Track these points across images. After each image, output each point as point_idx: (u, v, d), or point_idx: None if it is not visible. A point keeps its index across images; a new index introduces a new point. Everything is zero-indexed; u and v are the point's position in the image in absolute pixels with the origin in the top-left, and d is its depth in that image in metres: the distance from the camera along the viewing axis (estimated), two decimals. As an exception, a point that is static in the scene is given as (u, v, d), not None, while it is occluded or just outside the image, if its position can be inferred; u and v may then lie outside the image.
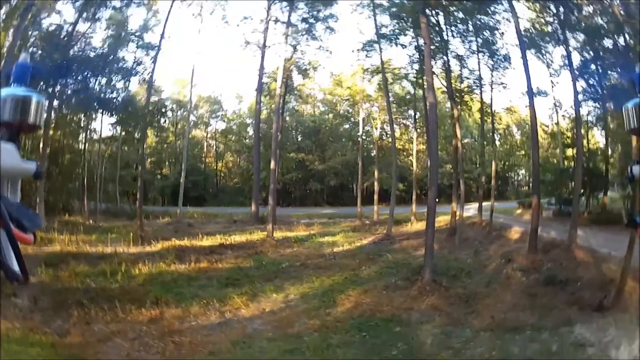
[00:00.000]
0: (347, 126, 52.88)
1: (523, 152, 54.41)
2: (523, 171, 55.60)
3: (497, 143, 44.68)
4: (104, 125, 40.67)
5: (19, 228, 1.82)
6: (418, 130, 42.13)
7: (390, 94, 37.19)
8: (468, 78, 34.50)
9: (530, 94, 26.32)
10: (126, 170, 41.05)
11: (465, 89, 34.66)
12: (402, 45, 33.63)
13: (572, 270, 19.19)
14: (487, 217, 31.71)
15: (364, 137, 45.38)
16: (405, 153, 49.56)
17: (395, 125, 40.07)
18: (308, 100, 53.78)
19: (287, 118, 49.64)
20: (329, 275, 19.70)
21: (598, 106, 33.30)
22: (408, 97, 41.09)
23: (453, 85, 33.15)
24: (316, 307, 15.69)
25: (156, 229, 28.28)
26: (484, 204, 34.18)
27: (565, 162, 37.78)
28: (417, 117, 40.99)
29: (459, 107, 32.87)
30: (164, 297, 15.66)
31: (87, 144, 37.46)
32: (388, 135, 44.89)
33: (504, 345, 12.16)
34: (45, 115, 3.51)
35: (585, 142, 33.77)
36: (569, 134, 37.83)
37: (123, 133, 40.85)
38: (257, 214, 33.75)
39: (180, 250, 22.82)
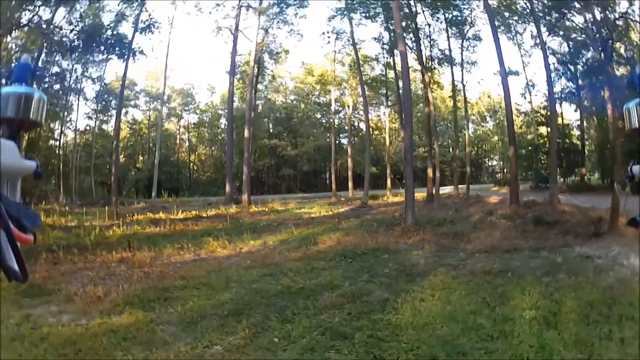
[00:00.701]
0: (319, 115, 52.58)
1: (496, 137, 54.53)
2: (497, 157, 55.71)
3: (471, 127, 44.01)
4: (79, 115, 40.19)
5: (19, 228, 1.67)
6: (390, 107, 41.41)
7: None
8: (439, 53, 33.96)
9: (503, 71, 25.09)
10: (101, 159, 40.06)
11: (436, 59, 33.81)
12: (371, 18, 32.92)
13: (558, 215, 18.69)
14: (463, 192, 31.58)
15: (336, 121, 44.82)
16: (378, 131, 49.14)
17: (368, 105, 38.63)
18: (279, 89, 53.46)
19: (260, 107, 48.98)
20: (308, 228, 18.58)
21: (572, 85, 33.20)
22: (380, 76, 40.23)
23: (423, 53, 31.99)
24: (296, 246, 14.49)
25: (132, 210, 27.93)
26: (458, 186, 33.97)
27: (539, 140, 37.44)
28: (389, 95, 39.91)
29: (429, 73, 31.83)
30: (137, 244, 14.50)
31: (62, 134, 36.65)
32: (361, 115, 44.82)
33: (504, 261, 11.05)
34: (45, 112, 2.66)
35: (559, 119, 32.93)
36: (543, 112, 37.56)
37: (97, 123, 40.20)
38: (232, 195, 32.67)
39: (155, 220, 22.20)
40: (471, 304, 7.79)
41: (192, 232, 18.48)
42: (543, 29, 30.17)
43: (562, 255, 11.49)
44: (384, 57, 38.13)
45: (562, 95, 33.58)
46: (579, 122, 37.95)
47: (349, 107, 43.11)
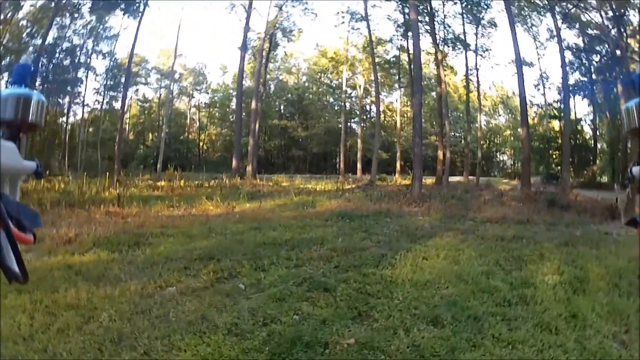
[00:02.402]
0: (331, 99, 51.76)
1: (508, 131, 53.37)
2: (508, 152, 54.59)
3: (483, 119, 42.87)
4: (87, 91, 39.59)
5: (19, 227, 1.71)
6: (402, 89, 40.37)
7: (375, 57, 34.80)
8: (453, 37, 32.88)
9: (519, 61, 24.91)
10: (109, 134, 39.31)
11: (449, 41, 32.65)
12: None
13: (572, 201, 17.47)
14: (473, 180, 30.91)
15: (347, 104, 43.87)
16: (389, 113, 48.09)
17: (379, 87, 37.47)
18: (292, 70, 52.61)
19: (272, 87, 48.20)
20: (310, 196, 17.54)
21: (585, 79, 32.34)
22: (392, 59, 39.08)
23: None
24: (293, 208, 13.43)
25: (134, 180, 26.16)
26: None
27: (551, 133, 36.34)
28: (401, 78, 38.81)
29: (441, 50, 30.69)
30: (128, 202, 13.89)
31: (70, 109, 35.96)
32: (372, 97, 43.85)
33: (517, 230, 9.84)
34: (45, 114, 2.49)
35: (572, 114, 31.85)
36: (556, 105, 36.52)
37: (107, 99, 39.53)
38: (237, 169, 31.40)
39: (155, 187, 21.56)
40: (483, 266, 6.56)
41: (189, 195, 17.63)
42: (559, 21, 29.03)
43: (580, 230, 10.45)
44: (397, 39, 36.82)
45: (576, 89, 32.39)
46: (591, 118, 36.87)
47: (360, 87, 41.96)
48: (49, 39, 30.17)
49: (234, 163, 32.56)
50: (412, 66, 31.71)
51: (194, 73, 52.51)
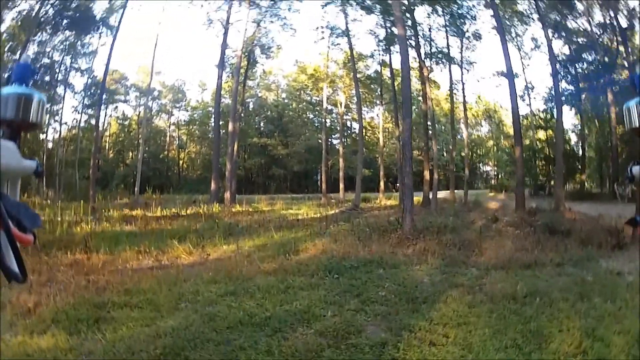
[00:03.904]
0: (311, 115, 51.27)
1: (491, 142, 53.07)
2: (491, 163, 54.32)
3: (465, 131, 42.30)
4: (65, 109, 38.77)
5: (19, 228, 1.58)
6: (384, 104, 39.63)
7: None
8: (437, 51, 32.25)
9: (509, 66, 24.03)
10: (87, 154, 38.56)
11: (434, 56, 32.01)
12: (367, 9, 31.10)
13: (570, 223, 16.64)
14: (460, 197, 30.44)
15: (328, 121, 43.31)
16: (371, 131, 47.42)
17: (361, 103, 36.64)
18: (271, 87, 52.03)
19: (251, 104, 47.60)
20: (291, 231, 16.13)
21: (572, 88, 32.16)
22: (375, 74, 38.34)
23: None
24: (273, 254, 11.90)
25: (112, 206, 25.37)
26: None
27: (538, 144, 36.06)
28: (383, 94, 38.09)
29: (428, 67, 29.99)
30: (96, 246, 12.62)
31: (48, 127, 35.50)
32: (353, 113, 43.21)
33: (526, 280, 8.76)
34: (46, 114, 2.50)
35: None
36: (542, 115, 36.28)
37: (85, 117, 38.79)
38: (217, 192, 30.47)
39: (129, 217, 20.31)
40: (499, 350, 5.41)
41: (162, 231, 16.32)
42: (549, 31, 28.51)
43: (590, 271, 9.56)
44: (379, 54, 36.05)
45: (563, 99, 31.85)
46: (579, 128, 36.52)
47: (341, 104, 41.12)
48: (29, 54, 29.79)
49: (213, 185, 31.48)
50: (394, 83, 31.13)
51: (173, 90, 51.83)
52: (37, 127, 2.41)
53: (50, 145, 35.99)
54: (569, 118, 39.79)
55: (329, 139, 44.12)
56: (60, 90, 35.68)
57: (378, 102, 41.40)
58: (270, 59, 40.23)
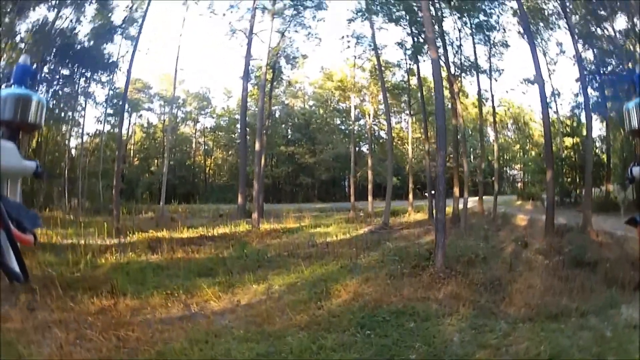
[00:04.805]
0: (338, 121, 51.01)
1: (518, 146, 52.48)
2: (518, 166, 53.72)
3: (492, 135, 41.96)
4: (88, 119, 38.78)
5: (19, 229, 1.77)
6: (413, 117, 39.39)
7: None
8: (466, 60, 31.89)
9: (540, 81, 24.67)
10: (110, 164, 38.54)
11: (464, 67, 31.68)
12: (394, 20, 30.98)
13: (596, 251, 16.91)
14: (488, 208, 30.04)
15: (356, 128, 42.93)
16: (400, 141, 47.17)
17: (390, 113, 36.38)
18: (298, 94, 51.81)
19: (277, 113, 47.67)
20: (321, 264, 16.15)
21: (597, 95, 31.67)
22: (402, 83, 38.14)
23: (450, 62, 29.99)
24: (305, 299, 12.01)
25: (136, 223, 25.50)
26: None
27: (565, 152, 35.51)
28: (411, 103, 37.83)
29: (458, 82, 29.76)
30: (122, 287, 12.51)
31: (70, 139, 35.31)
32: (382, 124, 42.97)
33: (551, 336, 8.86)
34: (45, 115, 2.78)
35: (584, 130, 30.77)
36: (568, 122, 35.69)
37: (108, 127, 38.77)
38: (244, 207, 30.81)
39: (155, 241, 20.05)
40: None
41: (189, 263, 16.32)
42: (576, 36, 28.36)
43: (610, 323, 9.51)
44: (406, 64, 35.90)
45: (589, 106, 31.56)
46: (604, 134, 35.99)
47: (369, 115, 40.92)
48: (49, 63, 29.99)
49: (240, 200, 31.70)
50: (422, 93, 31.03)
51: (198, 97, 51.86)
52: (36, 128, 2.56)
53: (73, 152, 35.84)
54: (594, 124, 39.45)
55: (357, 147, 43.66)
56: (81, 100, 35.62)
57: (406, 111, 41.28)
58: (296, 69, 40.19)
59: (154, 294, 12.28)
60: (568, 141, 36.20)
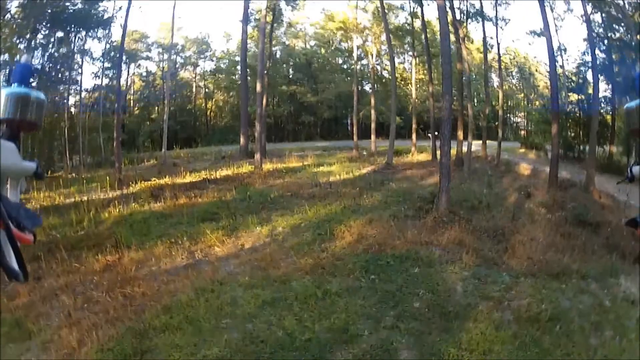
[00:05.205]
0: (340, 61, 50.60)
1: (522, 94, 52.22)
2: (521, 114, 53.57)
3: (496, 82, 41.80)
4: (85, 75, 38.66)
5: (19, 228, 1.73)
6: (417, 58, 39.04)
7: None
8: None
9: (547, 30, 23.80)
10: (110, 117, 38.31)
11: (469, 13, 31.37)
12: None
13: (598, 212, 17.02)
14: (491, 153, 30.00)
15: (359, 68, 42.70)
16: (403, 82, 46.86)
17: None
18: (299, 35, 51.28)
19: (278, 54, 47.26)
20: (324, 204, 16.09)
21: (604, 57, 31.37)
22: (406, 25, 37.74)
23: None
24: (309, 241, 12.11)
25: (139, 172, 25.21)
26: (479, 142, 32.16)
27: (569, 107, 35.36)
28: (415, 45, 37.49)
29: (463, 27, 29.48)
30: (126, 240, 12.53)
31: (69, 97, 34.93)
32: (385, 64, 42.67)
33: (552, 296, 8.99)
34: (44, 113, 2.53)
35: (590, 89, 31.06)
36: (574, 78, 35.37)
37: (106, 81, 38.34)
38: (246, 148, 31.09)
39: (158, 189, 19.92)
40: None
41: (193, 208, 16.18)
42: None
43: (610, 293, 9.59)
44: (410, 6, 35.57)
45: (597, 67, 31.34)
46: (609, 96, 35.77)
47: (372, 55, 40.57)
48: (42, 30, 29.87)
49: (242, 140, 32.17)
50: (427, 36, 30.70)
51: (197, 42, 51.24)
52: (36, 127, 2.51)
53: (73, 111, 35.41)
54: (600, 85, 39.22)
55: (360, 86, 43.31)
56: (78, 58, 35.16)
57: (409, 52, 40.96)
58: (296, 10, 39.75)
59: (157, 244, 12.25)
60: (573, 96, 36.04)
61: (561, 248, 12.40)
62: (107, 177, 21.67)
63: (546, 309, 8.18)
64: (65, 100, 33.86)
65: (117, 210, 16.20)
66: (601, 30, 30.26)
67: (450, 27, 26.98)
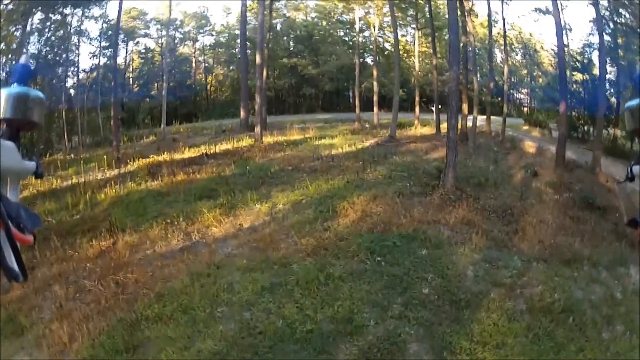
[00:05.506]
0: (342, 33, 50.28)
1: (525, 71, 52.08)
2: (525, 91, 53.52)
3: (499, 57, 41.62)
4: (83, 56, 38.35)
5: (18, 228, 1.67)
6: (420, 31, 38.72)
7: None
8: None
9: (556, 9, 24.21)
10: (108, 96, 38.06)
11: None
12: None
13: (605, 196, 16.41)
14: (495, 129, 29.93)
15: (361, 40, 42.32)
16: (406, 54, 46.48)
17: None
18: (299, 7, 50.92)
19: (278, 26, 46.89)
20: (326, 179, 15.41)
21: (610, 40, 31.19)
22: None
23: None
24: (310, 219, 11.52)
25: (138, 150, 24.67)
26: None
27: (574, 86, 35.22)
28: (418, 17, 37.13)
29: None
30: (121, 222, 12.06)
31: (67, 79, 34.59)
32: (387, 36, 42.29)
33: (564, 284, 8.65)
34: (43, 112, 2.49)
35: (595, 70, 31.56)
36: (578, 58, 35.17)
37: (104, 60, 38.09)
38: (246, 121, 30.72)
39: (155, 166, 19.39)
40: None
41: (190, 186, 15.63)
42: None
43: (620, 283, 9.37)
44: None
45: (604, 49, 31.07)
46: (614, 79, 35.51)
47: (374, 27, 40.19)
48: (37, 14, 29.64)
49: (242, 114, 32.03)
50: (431, 8, 30.23)
51: (196, 17, 50.92)
52: (36, 126, 2.41)
53: (72, 92, 35.24)
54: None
55: (362, 58, 43.10)
56: (75, 39, 34.96)
57: (412, 25, 40.55)
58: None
59: (153, 225, 11.78)
60: (577, 76, 35.84)
61: (571, 232, 12.09)
62: (105, 157, 21.25)
63: (559, 298, 7.86)
64: (62, 83, 33.72)
65: (114, 190, 15.75)
66: (607, 13, 30.02)
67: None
